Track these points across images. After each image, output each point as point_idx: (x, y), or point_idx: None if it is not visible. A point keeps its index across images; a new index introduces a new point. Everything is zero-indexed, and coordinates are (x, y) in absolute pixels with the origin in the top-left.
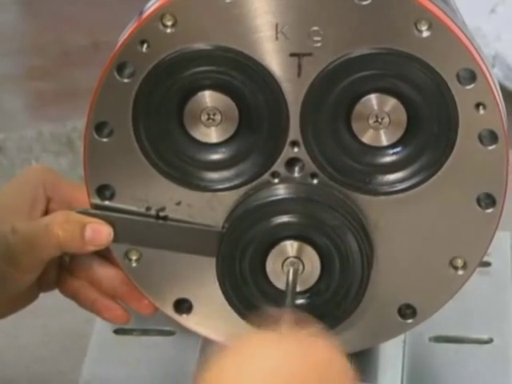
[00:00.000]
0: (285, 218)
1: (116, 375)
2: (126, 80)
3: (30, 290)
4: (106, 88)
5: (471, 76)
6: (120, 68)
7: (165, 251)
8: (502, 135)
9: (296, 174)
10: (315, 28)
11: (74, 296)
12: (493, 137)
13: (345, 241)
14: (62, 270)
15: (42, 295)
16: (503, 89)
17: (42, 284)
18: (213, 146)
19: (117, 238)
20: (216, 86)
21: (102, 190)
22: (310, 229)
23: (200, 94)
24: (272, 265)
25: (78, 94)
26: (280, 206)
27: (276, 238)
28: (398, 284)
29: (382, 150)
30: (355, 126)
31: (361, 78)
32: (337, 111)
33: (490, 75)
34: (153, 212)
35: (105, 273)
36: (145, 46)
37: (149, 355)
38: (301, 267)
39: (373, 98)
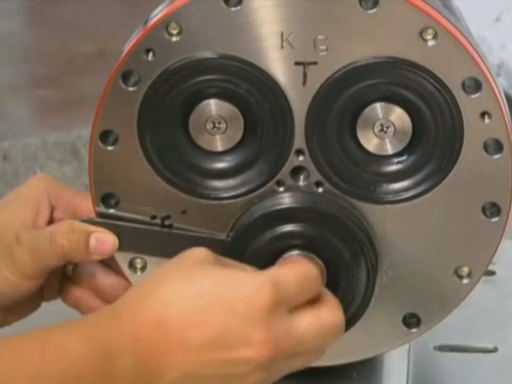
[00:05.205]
0: (290, 227)
1: None
2: (131, 88)
3: (33, 298)
4: (111, 96)
5: (476, 85)
6: (125, 76)
7: (170, 260)
8: (508, 144)
9: (301, 183)
10: (320, 37)
11: (76, 305)
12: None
13: (350, 249)
14: (64, 279)
15: (46, 303)
16: (508, 98)
17: (45, 293)
18: (218, 155)
19: (122, 247)
20: (221, 95)
21: (107, 199)
22: (315, 238)
23: (205, 102)
24: None
25: (83, 102)
26: (285, 215)
27: (281, 247)
28: (403, 293)
29: (387, 158)
30: (360, 135)
31: (366, 86)
32: (342, 120)
33: (495, 84)
34: (158, 220)
35: (108, 281)
36: (150, 54)
37: None
38: None
39: (378, 107)
